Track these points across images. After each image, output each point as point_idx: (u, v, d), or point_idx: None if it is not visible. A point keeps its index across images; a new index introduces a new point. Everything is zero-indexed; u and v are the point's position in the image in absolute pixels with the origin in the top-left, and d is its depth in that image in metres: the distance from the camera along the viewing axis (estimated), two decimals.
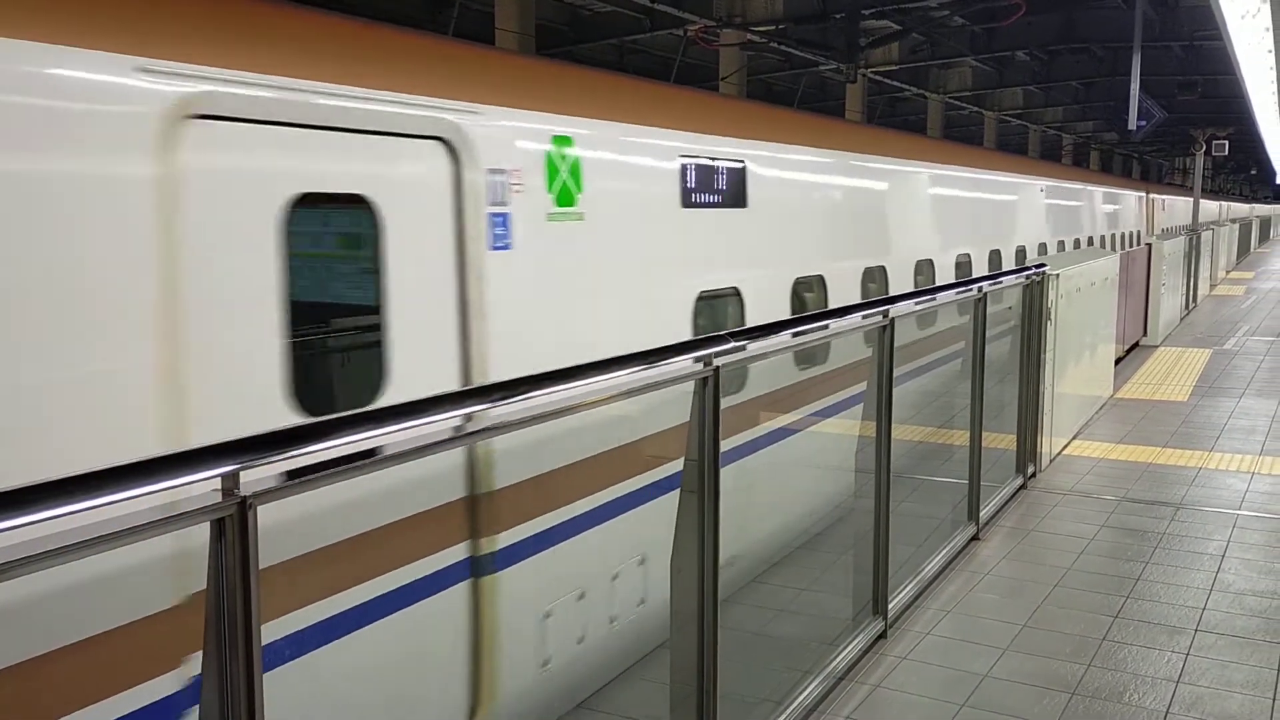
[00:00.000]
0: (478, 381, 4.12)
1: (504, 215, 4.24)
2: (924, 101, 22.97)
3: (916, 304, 5.73)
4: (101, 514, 1.76)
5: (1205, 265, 21.72)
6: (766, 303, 6.48)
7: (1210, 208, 42.82)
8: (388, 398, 3.76)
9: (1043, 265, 7.62)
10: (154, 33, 3.18)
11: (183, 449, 1.97)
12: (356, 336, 3.87)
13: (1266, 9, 8.19)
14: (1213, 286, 23.86)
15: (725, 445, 3.53)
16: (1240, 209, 57.32)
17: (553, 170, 4.56)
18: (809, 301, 7.29)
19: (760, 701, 4.32)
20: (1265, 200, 74.55)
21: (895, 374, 5.00)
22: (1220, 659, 4.74)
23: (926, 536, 6.16)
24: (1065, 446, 8.63)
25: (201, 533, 1.94)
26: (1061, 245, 15.88)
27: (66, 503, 1.69)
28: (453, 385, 4.03)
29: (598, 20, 15.97)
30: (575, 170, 4.69)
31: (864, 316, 4.91)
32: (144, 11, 3.26)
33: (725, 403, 3.52)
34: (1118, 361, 12.23)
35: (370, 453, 2.31)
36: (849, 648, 4.77)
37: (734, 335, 3.66)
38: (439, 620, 4.05)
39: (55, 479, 1.72)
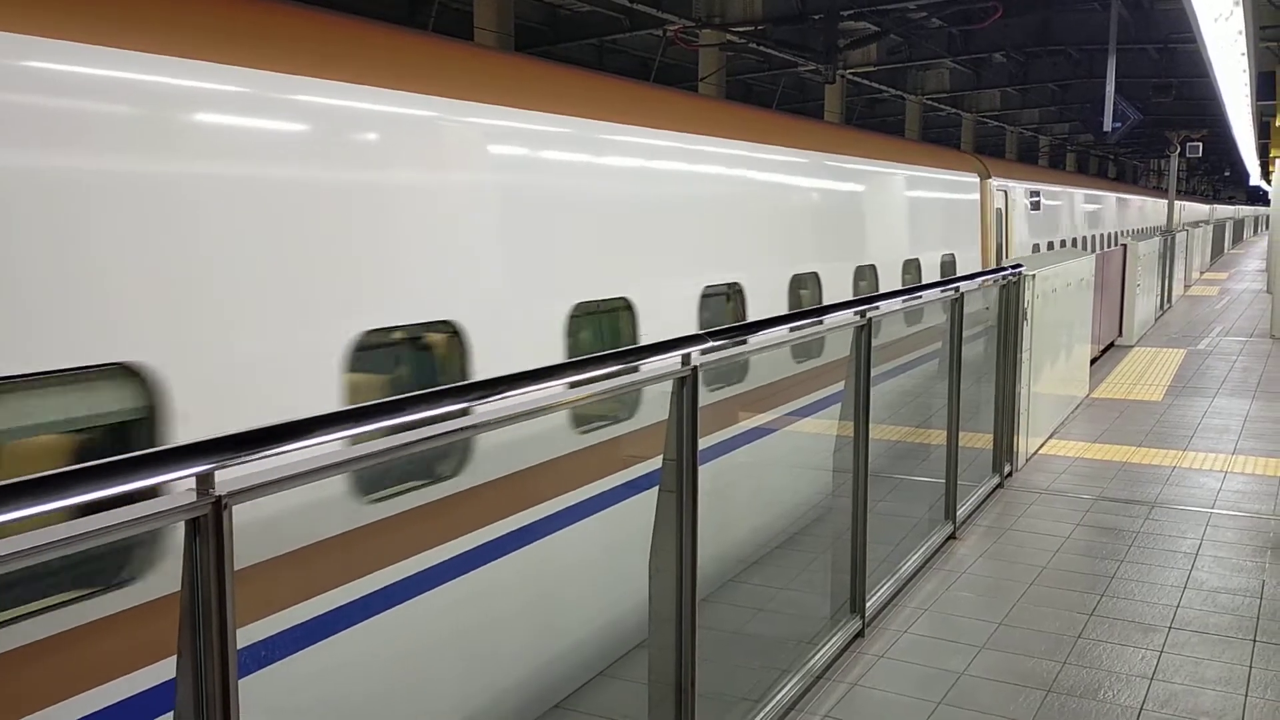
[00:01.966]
0: None
1: None
2: (902, 103, 23.08)
3: (894, 304, 5.74)
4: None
5: (1180, 266, 21.89)
6: None
7: (1155, 210, 33.10)
8: None
9: (1019, 265, 7.66)
10: None
11: (159, 448, 1.96)
12: None
13: (1239, 12, 8.27)
14: (1187, 287, 24.07)
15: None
16: (1199, 210, 50.37)
17: None
18: None
19: (738, 700, 4.33)
20: (1229, 201, 73.51)
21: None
22: (1194, 656, 4.79)
23: (904, 536, 6.19)
24: (1041, 446, 8.69)
25: None
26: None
27: (38, 502, 1.67)
28: None
29: (577, 20, 15.96)
30: None
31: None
32: None
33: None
34: (1093, 361, 12.33)
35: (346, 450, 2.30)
36: (827, 646, 4.79)
37: (713, 335, 3.67)
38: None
39: (27, 478, 1.70)
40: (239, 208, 3.46)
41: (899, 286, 9.14)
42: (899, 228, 10.22)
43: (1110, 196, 25.01)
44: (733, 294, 6.74)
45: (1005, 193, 13.93)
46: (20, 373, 2.83)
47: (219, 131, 3.45)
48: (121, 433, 3.13)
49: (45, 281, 2.90)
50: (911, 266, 10.11)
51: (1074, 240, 18.81)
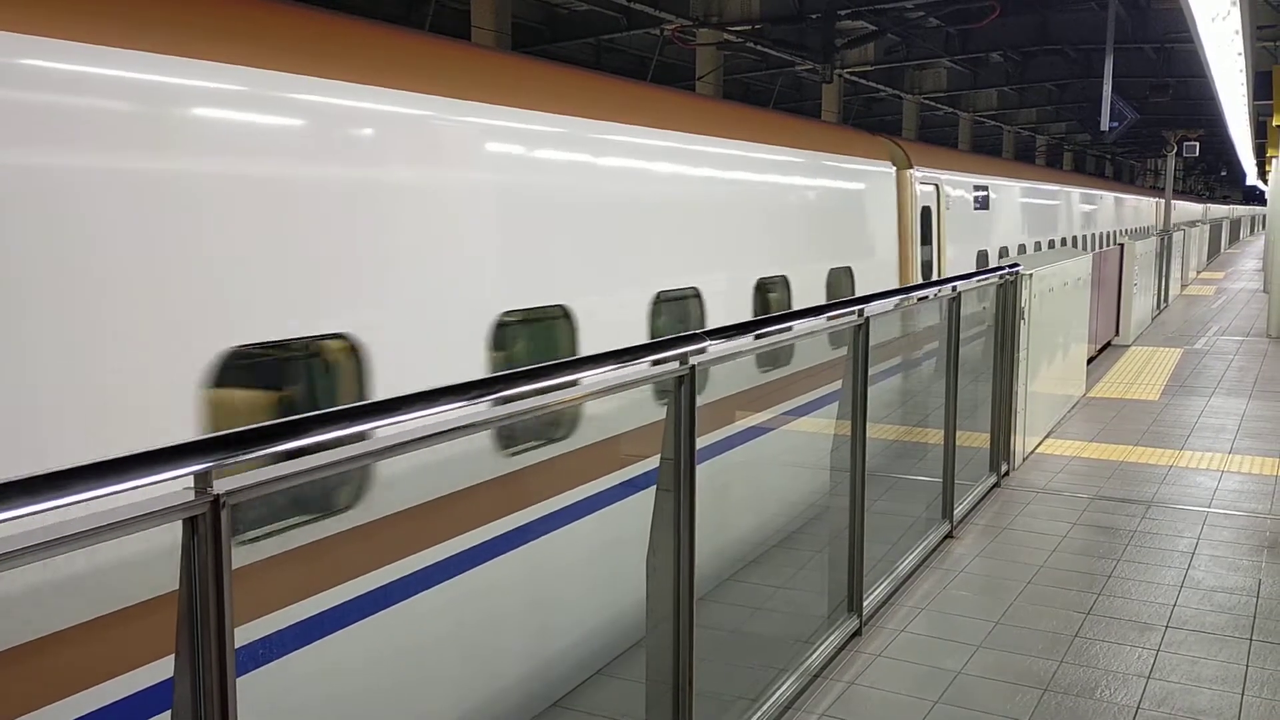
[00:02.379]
0: None
1: None
2: (899, 102, 23.10)
3: (891, 303, 5.74)
4: (71, 512, 1.74)
5: (1176, 266, 21.88)
6: None
7: (1145, 210, 30.64)
8: None
9: (1016, 265, 7.66)
10: None
11: (155, 447, 1.96)
12: None
13: (1236, 12, 8.29)
14: (1184, 287, 24.09)
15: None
16: (1192, 210, 46.19)
17: None
18: None
19: (736, 699, 4.33)
20: (1224, 201, 72.39)
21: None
22: (1190, 655, 4.80)
23: (901, 535, 6.19)
24: (1038, 445, 8.70)
25: None
26: None
27: (32, 502, 1.67)
28: None
29: (575, 19, 15.97)
30: None
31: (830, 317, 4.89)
32: None
33: None
34: (1090, 360, 12.34)
35: (344, 448, 2.30)
36: (824, 645, 4.79)
37: (710, 334, 3.67)
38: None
39: (21, 477, 1.70)
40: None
41: (749, 316, 6.68)
42: (753, 232, 7.27)
43: (1090, 194, 21.95)
44: (345, 353, 4.00)
45: (937, 186, 11.11)
46: None
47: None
48: None
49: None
50: (772, 285, 7.37)
51: (1038, 246, 16.03)
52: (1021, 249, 14.99)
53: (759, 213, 7.46)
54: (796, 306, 6.53)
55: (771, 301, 7.34)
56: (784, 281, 7.53)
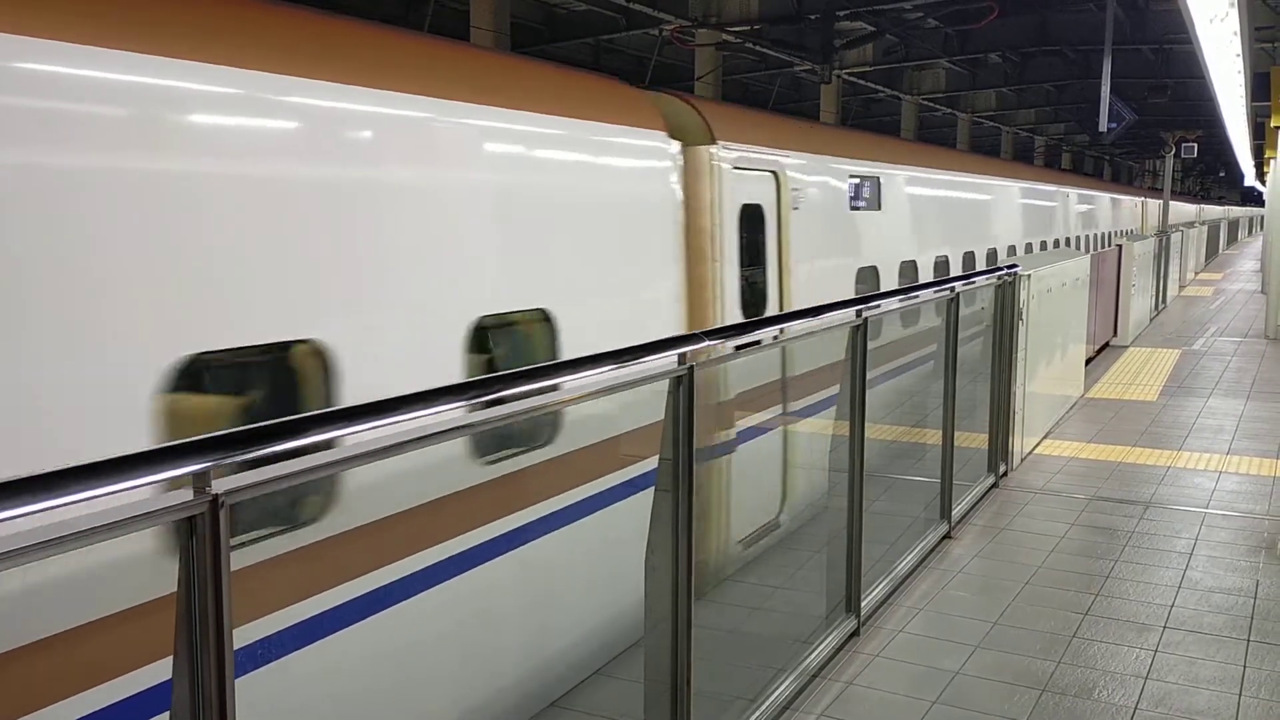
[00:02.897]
0: None
1: None
2: (898, 103, 23.10)
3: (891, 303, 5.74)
4: (70, 511, 1.74)
5: (1175, 266, 21.88)
6: None
7: (1127, 213, 26.96)
8: None
9: (1014, 265, 7.67)
10: None
11: (153, 447, 1.96)
12: None
13: (1234, 13, 8.29)
14: (1182, 288, 24.11)
15: None
16: (1186, 210, 41.53)
17: None
18: None
19: (734, 699, 4.34)
20: (1219, 201, 71.54)
21: None
22: (1188, 655, 4.80)
23: (899, 535, 6.20)
24: (1036, 445, 8.71)
25: None
26: None
27: (31, 501, 1.67)
28: None
29: (573, 19, 15.96)
30: None
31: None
32: None
33: None
34: (1088, 361, 12.35)
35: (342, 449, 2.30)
36: (822, 645, 4.79)
37: (709, 334, 3.68)
38: None
39: (20, 477, 1.70)
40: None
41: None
42: (302, 244, 3.74)
43: (1046, 190, 17.23)
44: None
45: (775, 175, 7.27)
46: None
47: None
48: None
49: None
50: (328, 355, 3.78)
51: (969, 258, 11.94)
52: (940, 263, 10.97)
53: (324, 208, 3.85)
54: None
55: (325, 387, 3.83)
56: (344, 348, 3.87)
